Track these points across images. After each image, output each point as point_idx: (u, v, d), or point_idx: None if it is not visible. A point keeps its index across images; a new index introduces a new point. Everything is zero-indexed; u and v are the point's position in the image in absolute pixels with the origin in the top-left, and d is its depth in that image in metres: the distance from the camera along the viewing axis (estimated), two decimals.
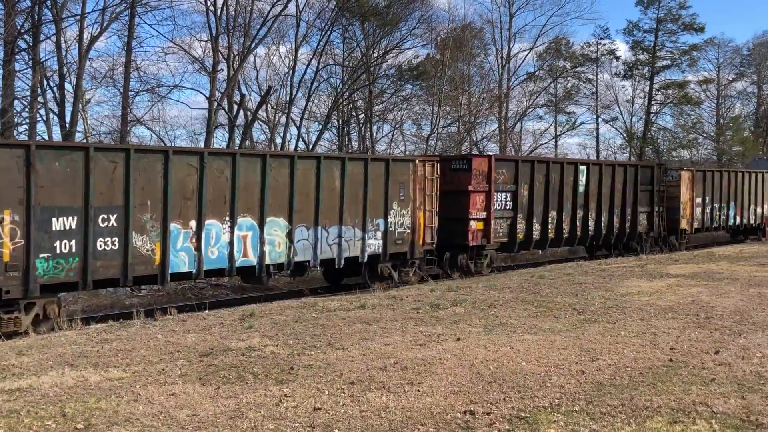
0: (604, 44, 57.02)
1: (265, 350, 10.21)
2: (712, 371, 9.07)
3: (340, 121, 43.57)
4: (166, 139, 35.76)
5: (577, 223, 24.40)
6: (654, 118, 58.44)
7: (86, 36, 28.64)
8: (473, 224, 20.90)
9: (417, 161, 19.62)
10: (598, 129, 58.48)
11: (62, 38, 28.87)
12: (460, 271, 20.91)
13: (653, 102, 57.77)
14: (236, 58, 33.85)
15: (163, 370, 9.15)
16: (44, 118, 29.66)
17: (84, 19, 28.48)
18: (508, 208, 21.98)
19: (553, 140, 55.78)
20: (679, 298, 14.60)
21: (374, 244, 18.56)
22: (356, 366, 9.30)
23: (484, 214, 21.11)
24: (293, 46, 37.65)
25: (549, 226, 23.36)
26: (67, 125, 27.74)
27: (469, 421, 7.25)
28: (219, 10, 32.56)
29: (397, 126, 45.65)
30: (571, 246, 25.65)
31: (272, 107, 39.02)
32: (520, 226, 22.46)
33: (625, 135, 58.10)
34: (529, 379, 8.69)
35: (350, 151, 40.56)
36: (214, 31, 32.46)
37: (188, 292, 19.50)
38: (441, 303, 14.10)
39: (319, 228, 17.28)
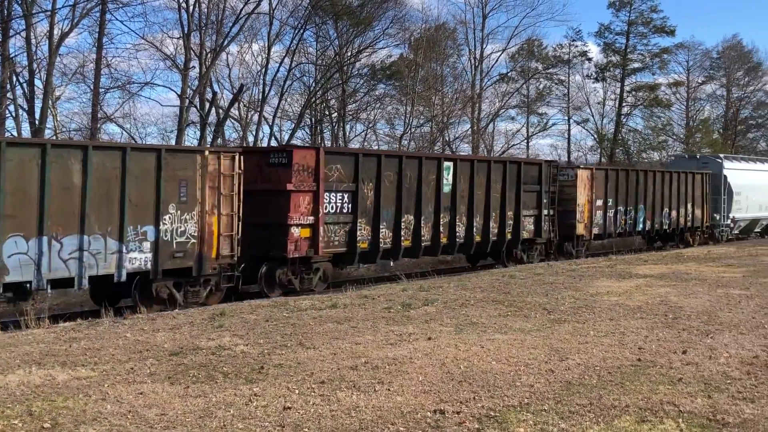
0: (576, 46, 57.51)
1: (235, 349, 10.17)
2: (679, 371, 9.16)
3: (313, 119, 43.58)
4: (136, 136, 35.55)
5: (441, 229, 20.82)
6: (624, 120, 59.01)
7: (56, 32, 28.44)
8: (295, 231, 17.19)
9: (207, 153, 15.93)
10: (569, 130, 58.97)
11: (32, 34, 28.64)
12: (282, 289, 17.37)
13: (624, 104, 58.31)
14: (208, 55, 33.72)
15: (131, 369, 9.08)
16: (13, 114, 29.38)
17: (54, 15, 28.28)
18: (345, 211, 18.38)
19: (525, 141, 56.14)
20: (648, 299, 14.73)
21: (140, 258, 14.64)
22: (327, 365, 9.29)
23: (310, 219, 17.47)
24: (266, 44, 37.64)
25: (403, 233, 19.81)
26: (37, 122, 27.49)
27: (439, 420, 7.26)
28: (191, 7, 32.46)
29: (370, 125, 45.75)
30: (434, 255, 22.09)
31: (245, 105, 38.95)
32: (363, 233, 18.86)
33: (596, 136, 58.60)
34: (499, 379, 8.73)
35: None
36: (186, 28, 32.33)
37: None
38: (412, 302, 14.12)
39: (46, 238, 13.30)
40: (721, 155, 37.78)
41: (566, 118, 58.21)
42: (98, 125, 31.20)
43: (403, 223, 19.83)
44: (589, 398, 7.99)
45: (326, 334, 11.17)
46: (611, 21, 58.79)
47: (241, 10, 33.87)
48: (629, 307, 13.67)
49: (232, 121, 39.17)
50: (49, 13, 28.36)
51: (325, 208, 17.89)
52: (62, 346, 10.33)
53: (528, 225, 23.82)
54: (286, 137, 40.48)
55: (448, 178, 21.05)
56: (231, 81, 39.96)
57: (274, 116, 39.76)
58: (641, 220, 29.51)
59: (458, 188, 21.29)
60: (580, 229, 26.12)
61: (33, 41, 28.79)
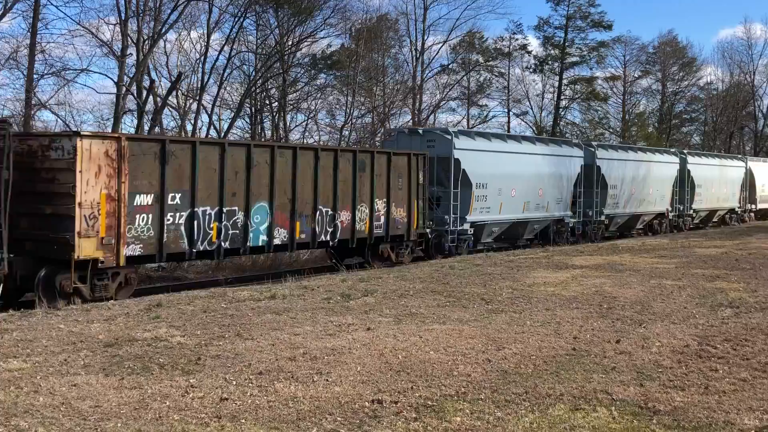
0: (517, 39, 58.18)
1: (171, 340, 10.05)
2: (613, 360, 9.33)
3: (253, 109, 43.21)
4: (72, 124, 34.79)
5: None
6: (563, 113, 59.98)
7: None
8: None
9: None
10: (509, 122, 59.55)
11: None
12: None
13: (562, 97, 59.25)
14: (146, 42, 33.14)
15: (65, 360, 8.92)
16: None
17: None
18: None
19: None
20: (584, 289, 14.97)
21: None
22: (265, 356, 9.24)
23: None
24: (205, 32, 37.15)
25: None
26: None
27: (376, 410, 7.29)
28: None
29: (311, 115, 45.53)
30: None
31: (183, 94, 38.39)
32: None
33: (534, 129, 59.31)
34: (437, 368, 8.79)
35: (263, 140, 40.14)
36: (123, 14, 31.74)
37: None
38: (352, 293, 14.13)
39: None
40: (452, 130, 25.83)
41: (506, 110, 58.86)
42: (32, 112, 30.48)
43: None
44: (524, 387, 8.10)
45: (264, 325, 11.12)
46: (550, 15, 59.91)
47: None
48: (565, 298, 13.88)
49: (170, 109, 38.60)
50: None
51: None
52: None
53: None
54: (226, 126, 40.13)
55: None
56: (169, 69, 39.37)
57: (213, 105, 39.33)
58: (262, 228, 18.07)
59: None
60: (86, 248, 14.42)
61: None
